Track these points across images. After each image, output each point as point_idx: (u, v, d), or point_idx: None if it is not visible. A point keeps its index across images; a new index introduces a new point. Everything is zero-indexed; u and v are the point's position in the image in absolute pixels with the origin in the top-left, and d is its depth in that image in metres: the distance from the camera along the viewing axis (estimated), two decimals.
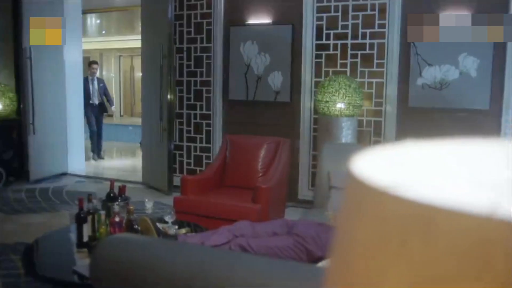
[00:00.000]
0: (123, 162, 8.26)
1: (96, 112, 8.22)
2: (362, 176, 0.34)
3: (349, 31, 5.07)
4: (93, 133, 8.24)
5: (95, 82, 8.18)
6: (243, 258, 1.39)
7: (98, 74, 8.61)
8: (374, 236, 0.31)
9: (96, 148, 8.37)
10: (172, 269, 1.36)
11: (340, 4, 5.08)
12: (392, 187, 0.31)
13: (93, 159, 8.26)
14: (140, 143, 9.65)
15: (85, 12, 8.32)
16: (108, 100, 8.59)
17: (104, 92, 8.41)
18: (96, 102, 8.19)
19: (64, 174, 6.75)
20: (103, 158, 8.43)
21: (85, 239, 2.88)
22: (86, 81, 7.91)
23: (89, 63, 8.29)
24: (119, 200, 3.22)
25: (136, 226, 2.98)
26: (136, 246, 1.44)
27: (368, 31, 5.00)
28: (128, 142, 10.90)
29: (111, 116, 11.34)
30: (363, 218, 0.33)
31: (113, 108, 9.04)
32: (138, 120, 13.23)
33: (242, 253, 1.46)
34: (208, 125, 5.86)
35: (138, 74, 15.79)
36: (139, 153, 9.70)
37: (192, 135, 5.97)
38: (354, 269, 0.33)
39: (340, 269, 0.35)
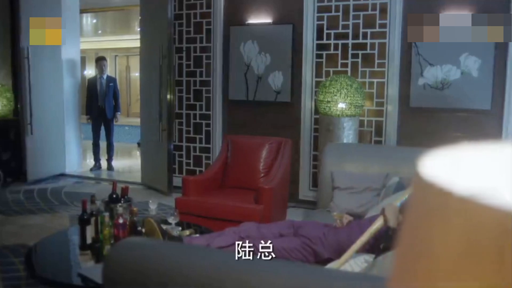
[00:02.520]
0: (120, 163, 8.18)
1: (103, 116, 7.07)
2: (440, 182, 0.32)
3: (350, 30, 5.06)
4: (97, 142, 7.21)
5: (104, 81, 7.04)
6: (261, 261, 1.37)
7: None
8: (463, 248, 0.30)
9: (98, 159, 7.31)
10: (188, 274, 1.33)
11: (341, 3, 5.06)
12: (477, 194, 0.30)
13: (92, 169, 7.21)
14: (138, 143, 9.62)
15: (81, 11, 8.15)
16: (115, 104, 7.19)
17: (113, 93, 7.14)
18: (103, 105, 7.02)
19: (62, 174, 6.70)
20: (113, 169, 7.37)
21: (89, 241, 2.85)
22: (93, 81, 7.15)
23: (97, 59, 7.35)
24: (122, 202, 3.19)
25: (139, 228, 2.96)
26: (150, 250, 1.42)
27: (369, 31, 4.98)
28: (125, 142, 10.86)
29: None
30: (446, 228, 0.32)
31: (118, 114, 7.28)
32: (134, 120, 13.21)
33: (259, 259, 1.44)
34: (207, 125, 5.83)
35: (134, 74, 15.75)
36: (136, 154, 9.66)
37: (192, 135, 5.94)
38: (436, 280, 0.32)
39: (415, 278, 0.34)
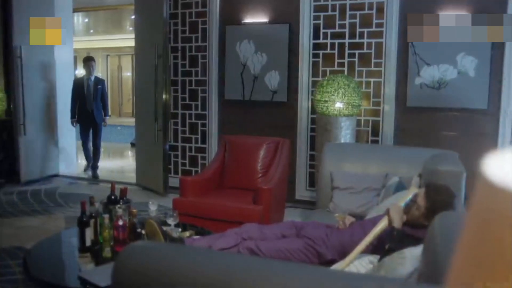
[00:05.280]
0: (113, 163, 8.11)
1: (92, 120, 6.64)
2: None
3: (346, 30, 5.05)
4: (87, 145, 6.85)
5: (91, 83, 6.57)
6: (275, 265, 1.35)
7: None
8: None
9: (90, 165, 6.96)
10: (198, 277, 1.31)
11: (337, 3, 5.05)
12: None
13: (86, 169, 7.05)
14: (131, 143, 9.56)
15: (73, 10, 8.04)
16: (103, 107, 6.76)
17: (101, 95, 6.70)
18: (91, 108, 6.58)
19: (55, 175, 6.62)
20: (97, 177, 6.76)
21: (88, 243, 2.81)
22: (79, 82, 6.62)
23: (85, 60, 6.75)
24: (121, 203, 3.15)
25: (139, 230, 2.92)
26: (159, 254, 1.39)
27: (365, 30, 4.98)
28: (117, 142, 10.79)
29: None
30: None
31: (107, 118, 6.86)
32: (126, 120, 13.14)
33: (273, 260, 1.42)
34: (203, 125, 5.80)
35: (126, 73, 15.67)
36: (128, 154, 9.60)
37: (187, 135, 5.90)
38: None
39: (486, 279, 0.34)
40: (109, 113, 7.07)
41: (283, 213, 4.45)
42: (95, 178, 6.69)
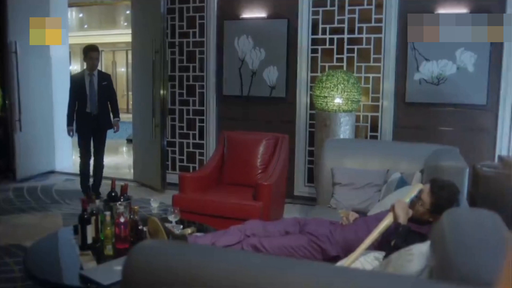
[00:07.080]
0: (109, 159, 8.01)
1: (94, 127, 5.13)
2: None
3: (345, 25, 5.03)
4: (87, 165, 5.31)
5: (95, 79, 5.09)
6: (289, 263, 1.33)
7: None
8: None
9: (87, 186, 5.36)
10: (205, 276, 1.29)
11: None
12: None
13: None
14: (128, 139, 9.50)
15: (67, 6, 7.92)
16: (112, 108, 5.25)
17: (108, 95, 5.21)
18: (95, 111, 5.09)
19: (52, 172, 6.57)
20: (99, 194, 4.87)
21: (89, 241, 2.77)
22: (79, 79, 5.12)
23: (86, 50, 5.08)
24: (121, 200, 3.11)
25: (140, 227, 2.89)
26: (168, 252, 1.37)
27: (364, 25, 4.96)
28: (112, 138, 10.70)
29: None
30: None
31: (118, 121, 5.33)
32: (121, 116, 13.05)
33: (286, 258, 1.40)
34: (201, 121, 5.76)
35: (120, 69, 15.58)
36: (123, 150, 9.53)
37: (185, 131, 5.86)
38: None
39: None
40: (119, 115, 5.42)
41: (283, 209, 4.43)
42: (98, 198, 4.59)
